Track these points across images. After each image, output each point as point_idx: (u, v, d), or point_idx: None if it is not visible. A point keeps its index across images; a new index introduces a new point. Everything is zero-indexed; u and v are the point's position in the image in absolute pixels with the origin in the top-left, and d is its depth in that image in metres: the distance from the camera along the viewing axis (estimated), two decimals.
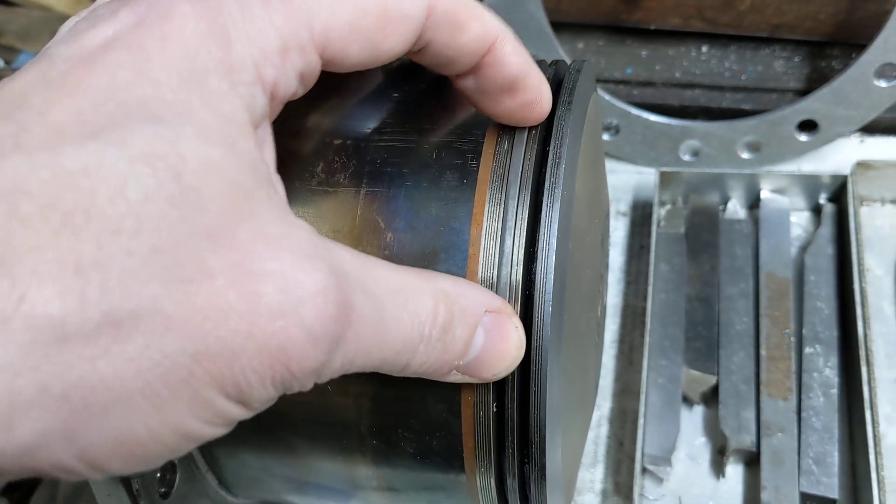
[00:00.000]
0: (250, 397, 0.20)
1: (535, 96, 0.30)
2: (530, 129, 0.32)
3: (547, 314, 0.30)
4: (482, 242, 0.31)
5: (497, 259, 0.30)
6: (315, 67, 0.25)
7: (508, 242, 0.31)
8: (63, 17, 0.80)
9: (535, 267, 0.30)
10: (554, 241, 0.30)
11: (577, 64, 0.36)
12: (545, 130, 0.32)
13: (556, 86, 0.34)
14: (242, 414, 0.21)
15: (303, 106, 0.35)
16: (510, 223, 0.31)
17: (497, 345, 0.28)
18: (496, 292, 0.31)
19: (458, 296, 0.27)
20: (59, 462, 0.18)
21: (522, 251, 0.30)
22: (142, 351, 0.18)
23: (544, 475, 0.32)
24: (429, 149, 0.32)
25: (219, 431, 0.21)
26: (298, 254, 0.21)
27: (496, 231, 0.31)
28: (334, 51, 0.24)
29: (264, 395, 0.21)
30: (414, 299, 0.25)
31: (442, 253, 0.30)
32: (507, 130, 0.32)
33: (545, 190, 0.31)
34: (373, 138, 0.33)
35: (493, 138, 0.32)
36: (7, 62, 0.83)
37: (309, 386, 0.22)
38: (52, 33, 0.83)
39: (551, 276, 0.30)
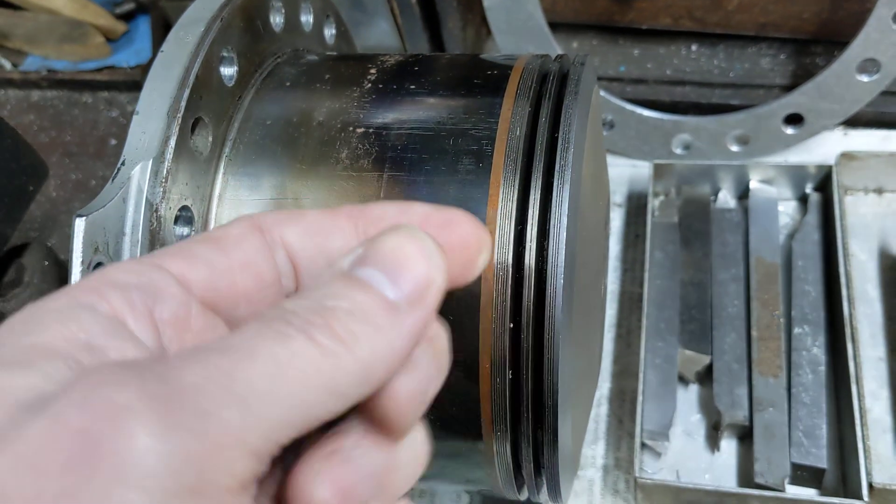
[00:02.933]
0: None
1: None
2: (540, 117, 0.35)
3: (559, 286, 0.32)
4: (498, 222, 0.33)
5: (512, 237, 0.33)
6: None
7: (522, 221, 0.33)
8: (70, 21, 0.82)
9: (548, 243, 0.32)
10: (565, 219, 0.32)
11: (581, 57, 0.38)
12: (554, 118, 0.35)
13: (562, 78, 0.37)
14: None
15: (326, 97, 0.38)
16: (524, 203, 0.33)
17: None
18: (512, 269, 0.33)
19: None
20: None
21: (535, 229, 0.33)
22: None
23: (556, 439, 0.34)
24: (446, 135, 0.35)
25: None
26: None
27: (511, 211, 0.33)
28: None
29: None
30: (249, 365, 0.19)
31: None
32: (519, 118, 0.35)
33: (555, 172, 0.33)
34: (393, 126, 0.36)
35: (505, 125, 0.34)
36: (15, 65, 0.84)
37: None
38: (59, 37, 0.82)
39: (563, 251, 0.32)
